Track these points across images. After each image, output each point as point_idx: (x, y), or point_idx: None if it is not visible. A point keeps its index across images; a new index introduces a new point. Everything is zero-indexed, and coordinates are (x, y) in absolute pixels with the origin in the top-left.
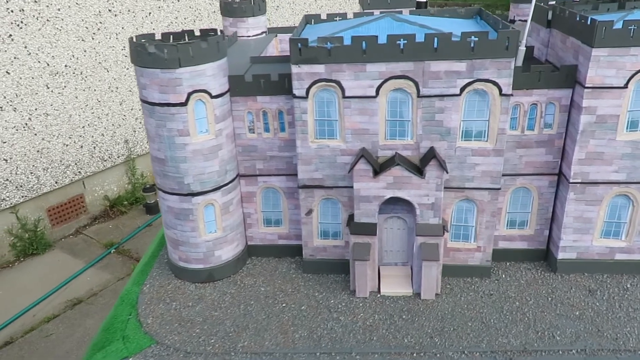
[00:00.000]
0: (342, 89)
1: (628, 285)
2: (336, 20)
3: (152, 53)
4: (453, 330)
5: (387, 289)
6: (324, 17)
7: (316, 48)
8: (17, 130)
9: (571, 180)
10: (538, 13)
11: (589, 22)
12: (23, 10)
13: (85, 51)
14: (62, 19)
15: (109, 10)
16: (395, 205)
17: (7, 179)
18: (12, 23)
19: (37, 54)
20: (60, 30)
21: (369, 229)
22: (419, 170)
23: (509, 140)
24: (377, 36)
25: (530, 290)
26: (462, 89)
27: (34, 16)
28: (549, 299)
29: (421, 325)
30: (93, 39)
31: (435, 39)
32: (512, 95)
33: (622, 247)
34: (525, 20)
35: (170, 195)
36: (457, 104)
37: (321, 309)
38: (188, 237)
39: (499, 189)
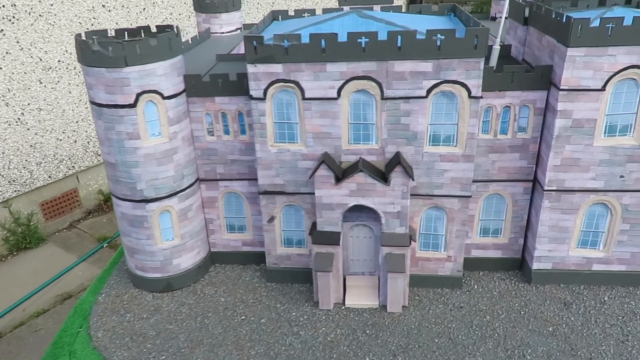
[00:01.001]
0: (302, 90)
1: (605, 298)
2: (304, 16)
3: (97, 51)
4: (418, 348)
5: (352, 301)
6: (292, 13)
7: (272, 46)
8: (9, 125)
9: (546, 188)
10: (515, 10)
11: (564, 20)
12: (15, 5)
13: None
14: (55, 14)
15: (103, 6)
16: (361, 212)
17: None
18: (3, 18)
19: (29, 49)
20: (53, 25)
21: (332, 238)
22: (384, 176)
23: (481, 144)
24: (336, 34)
25: (503, 303)
26: (429, 91)
27: (26, 11)
28: (522, 312)
29: (385, 342)
30: None
31: (399, 37)
32: (481, 97)
33: (599, 257)
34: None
35: (123, 201)
36: (423, 107)
37: (282, 322)
38: (144, 245)
39: (470, 196)
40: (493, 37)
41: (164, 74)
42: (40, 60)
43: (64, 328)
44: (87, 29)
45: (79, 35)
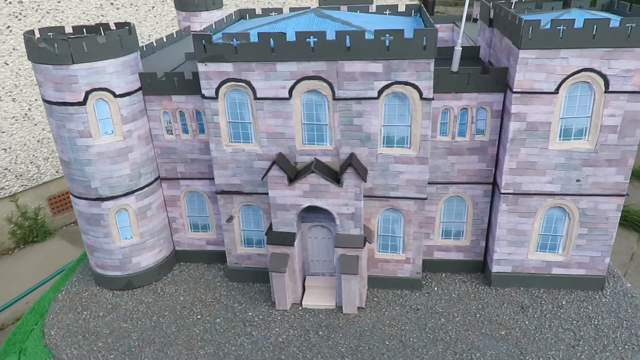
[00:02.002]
0: (253, 90)
1: (563, 302)
2: (271, 14)
3: (42, 48)
4: (368, 350)
5: (309, 302)
6: (259, 12)
7: (222, 45)
8: (16, 120)
9: (502, 191)
10: (483, 11)
11: (517, 22)
12: (22, 2)
13: None
14: (63, 11)
15: (111, 4)
16: (318, 213)
17: (6, 168)
18: (10, 14)
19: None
20: (60, 22)
21: (287, 239)
22: (337, 178)
23: (440, 146)
24: (285, 33)
25: (460, 306)
26: (380, 92)
27: (33, 8)
28: (477, 315)
29: (336, 343)
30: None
31: (347, 37)
32: (432, 99)
33: (559, 261)
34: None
35: (79, 199)
36: (375, 108)
37: (236, 322)
38: (101, 244)
39: (425, 198)
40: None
41: (115, 72)
42: None
43: (20, 325)
44: None
45: (28, 32)
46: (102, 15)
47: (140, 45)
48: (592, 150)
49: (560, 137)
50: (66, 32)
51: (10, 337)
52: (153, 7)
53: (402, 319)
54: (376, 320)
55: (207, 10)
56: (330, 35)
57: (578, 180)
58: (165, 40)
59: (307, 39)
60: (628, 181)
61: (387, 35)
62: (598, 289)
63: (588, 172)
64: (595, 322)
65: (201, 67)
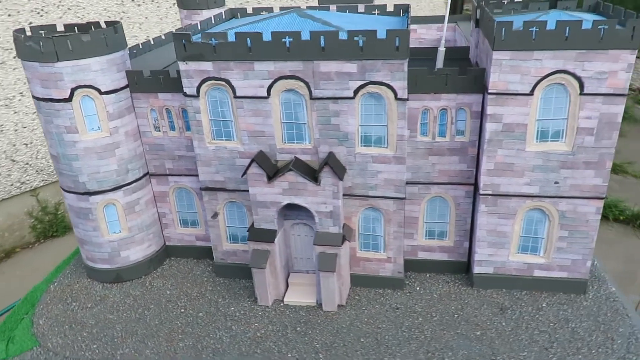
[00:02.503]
0: (233, 88)
1: (544, 305)
2: (262, 14)
3: (29, 46)
4: (342, 346)
5: (291, 298)
6: (250, 11)
7: (200, 44)
8: (37, 115)
9: (481, 192)
10: (473, 12)
11: (490, 22)
12: None
13: None
14: (84, 8)
15: (132, 0)
16: (300, 211)
17: (27, 163)
18: (32, 10)
19: None
20: (81, 19)
21: (268, 236)
22: (315, 176)
23: (421, 147)
24: (261, 33)
25: (440, 306)
26: (356, 92)
27: (54, 4)
28: (455, 316)
29: (311, 339)
30: None
31: (322, 37)
32: (407, 99)
33: (540, 263)
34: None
35: (68, 193)
36: (352, 108)
37: (218, 317)
38: (91, 237)
39: (404, 198)
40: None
41: (100, 70)
42: None
43: (11, 314)
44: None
45: (17, 30)
46: (123, 12)
47: (137, 44)
48: (569, 152)
49: (537, 138)
50: (58, 30)
51: (1, 325)
52: (174, 4)
53: (380, 317)
54: (354, 318)
55: (208, 8)
56: (306, 35)
57: (556, 183)
58: (163, 37)
59: (283, 39)
60: (607, 184)
61: (360, 35)
62: (581, 292)
63: (566, 174)
64: (573, 325)
65: (182, 66)
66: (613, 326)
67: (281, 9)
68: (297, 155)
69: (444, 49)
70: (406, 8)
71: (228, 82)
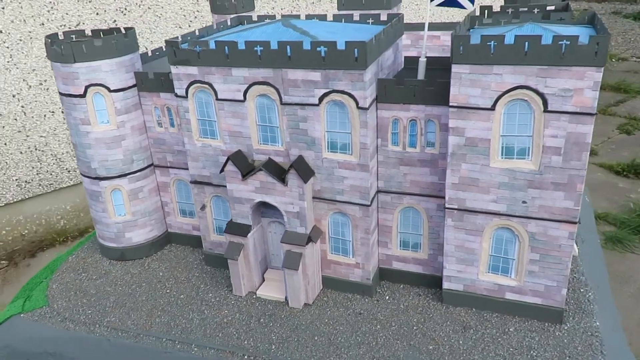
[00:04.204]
0: (215, 91)
1: (511, 329)
2: (264, 21)
3: (53, 49)
4: (295, 341)
5: (263, 292)
6: (279, 17)
7: (187, 50)
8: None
9: (447, 206)
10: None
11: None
12: None
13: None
14: (162, 7)
15: (207, 0)
16: (275, 210)
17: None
18: (117, 10)
19: (138, 39)
20: (159, 17)
21: (242, 230)
22: (282, 177)
23: (392, 156)
24: (236, 42)
25: (402, 317)
26: (321, 99)
27: (136, 3)
28: (414, 328)
29: (270, 332)
30: (190, 26)
31: (288, 47)
32: (368, 108)
33: (512, 286)
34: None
35: (84, 177)
36: (317, 114)
37: (196, 300)
38: (101, 217)
39: (369, 205)
40: None
41: (110, 70)
42: (146, 49)
43: (35, 277)
44: (191, 21)
45: (48, 35)
46: (198, 11)
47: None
48: (536, 171)
49: (502, 155)
50: (85, 35)
51: (25, 285)
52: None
53: (340, 320)
54: (316, 318)
55: (236, 13)
56: (274, 45)
57: (524, 202)
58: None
59: (255, 48)
60: (579, 208)
61: (322, 46)
62: (556, 321)
63: (534, 194)
64: (534, 354)
65: (173, 69)
66: None
67: (282, 16)
68: (271, 156)
69: (425, 59)
70: (400, 18)
71: (211, 85)
